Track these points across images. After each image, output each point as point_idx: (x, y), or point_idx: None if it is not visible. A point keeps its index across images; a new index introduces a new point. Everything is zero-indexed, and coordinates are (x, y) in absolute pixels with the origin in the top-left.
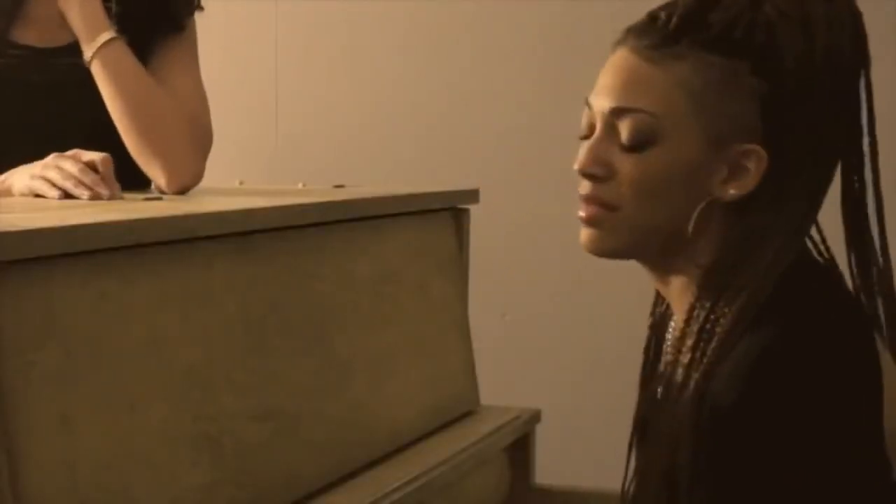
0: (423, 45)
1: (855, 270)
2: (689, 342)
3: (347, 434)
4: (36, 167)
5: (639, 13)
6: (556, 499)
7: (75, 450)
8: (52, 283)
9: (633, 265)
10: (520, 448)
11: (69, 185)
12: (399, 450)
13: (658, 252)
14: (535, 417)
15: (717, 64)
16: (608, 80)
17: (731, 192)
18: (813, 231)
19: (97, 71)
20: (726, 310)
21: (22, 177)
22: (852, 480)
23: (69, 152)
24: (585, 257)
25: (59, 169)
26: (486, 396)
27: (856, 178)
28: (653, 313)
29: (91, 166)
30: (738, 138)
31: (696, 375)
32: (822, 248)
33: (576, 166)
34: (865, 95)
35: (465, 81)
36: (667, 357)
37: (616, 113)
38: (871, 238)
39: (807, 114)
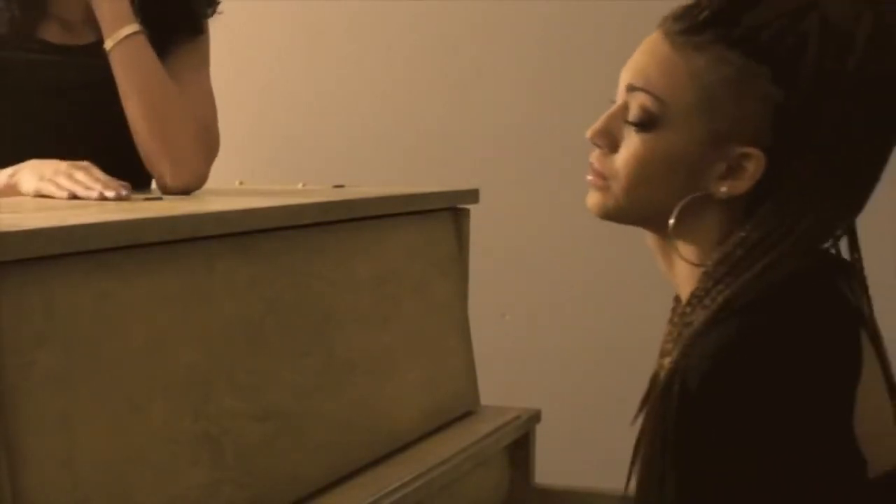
0: (424, 46)
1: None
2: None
3: (347, 434)
4: (47, 170)
5: (639, 13)
6: (556, 499)
7: (75, 450)
8: (52, 283)
9: (632, 269)
10: (520, 448)
11: (79, 189)
12: (399, 450)
13: (657, 231)
14: (535, 417)
15: (735, 62)
16: (635, 56)
17: (723, 189)
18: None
19: (116, 62)
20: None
21: (31, 178)
22: (816, 470)
23: (83, 163)
24: (586, 257)
25: (70, 178)
26: (486, 396)
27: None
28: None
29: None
30: (742, 139)
31: (668, 361)
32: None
33: (587, 133)
34: None
35: (465, 82)
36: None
37: (631, 89)
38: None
39: (818, 133)
